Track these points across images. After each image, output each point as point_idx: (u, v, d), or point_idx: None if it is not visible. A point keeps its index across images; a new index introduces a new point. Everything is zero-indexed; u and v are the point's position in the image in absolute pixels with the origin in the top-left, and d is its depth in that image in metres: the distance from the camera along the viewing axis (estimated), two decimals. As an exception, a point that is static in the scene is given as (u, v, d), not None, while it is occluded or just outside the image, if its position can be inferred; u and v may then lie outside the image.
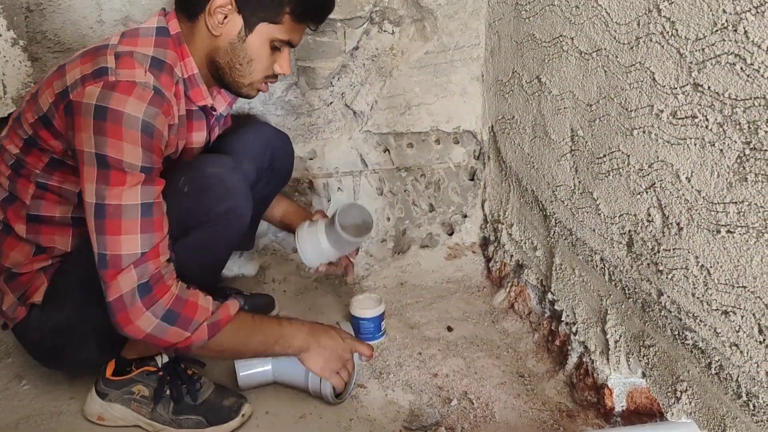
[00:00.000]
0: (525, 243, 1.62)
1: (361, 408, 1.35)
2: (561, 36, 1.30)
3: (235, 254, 1.82)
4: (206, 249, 1.23)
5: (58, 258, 1.23)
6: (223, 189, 1.19)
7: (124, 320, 1.06)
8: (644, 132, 1.04)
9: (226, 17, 1.15)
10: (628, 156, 1.09)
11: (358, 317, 1.57)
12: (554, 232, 1.43)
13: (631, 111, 1.07)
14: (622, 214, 1.13)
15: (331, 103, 1.79)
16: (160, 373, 1.28)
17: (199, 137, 1.31)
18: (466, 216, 1.97)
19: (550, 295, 1.47)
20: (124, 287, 1.05)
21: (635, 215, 1.09)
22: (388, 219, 1.93)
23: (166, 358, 1.29)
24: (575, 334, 1.36)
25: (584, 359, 1.33)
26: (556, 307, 1.45)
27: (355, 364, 1.36)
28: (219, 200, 1.19)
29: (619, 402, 1.25)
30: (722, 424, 0.92)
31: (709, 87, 0.87)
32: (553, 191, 1.40)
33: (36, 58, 1.52)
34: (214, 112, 1.30)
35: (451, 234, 1.98)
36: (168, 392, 1.27)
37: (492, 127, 1.79)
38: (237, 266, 1.85)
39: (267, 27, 1.17)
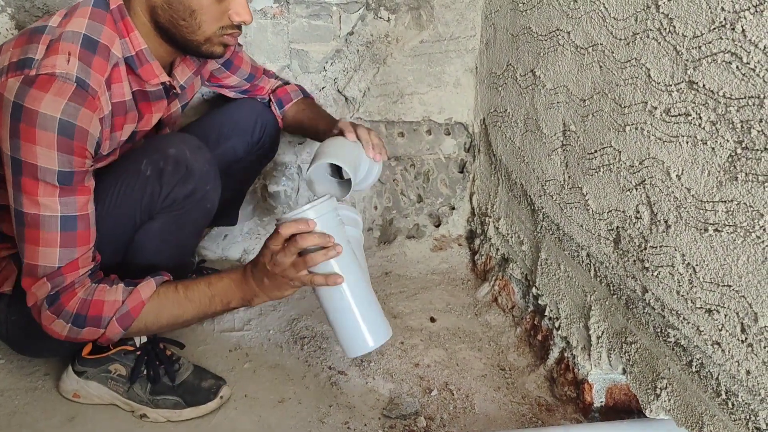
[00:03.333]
0: (511, 237, 1.62)
1: (341, 395, 1.35)
2: (557, 30, 1.29)
3: (218, 236, 1.81)
4: (173, 233, 1.19)
5: None
6: (186, 171, 1.13)
7: (42, 326, 1.08)
8: (637, 128, 1.03)
9: None
10: (620, 152, 1.09)
11: (341, 304, 1.55)
12: (542, 226, 1.43)
13: (624, 107, 1.07)
14: (610, 210, 1.13)
15: (323, 87, 1.77)
16: (138, 353, 1.26)
17: (158, 118, 1.23)
18: (453, 208, 1.96)
19: (534, 290, 1.47)
20: (39, 296, 1.05)
21: (624, 212, 1.09)
22: (376, 208, 1.92)
23: (144, 338, 1.27)
24: (558, 329, 1.36)
25: (566, 354, 1.34)
26: (539, 301, 1.45)
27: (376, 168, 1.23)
28: (181, 183, 1.13)
29: (598, 398, 1.26)
30: (700, 422, 0.92)
31: (704, 85, 0.87)
32: (543, 186, 1.40)
33: (22, 27, 1.48)
34: (173, 90, 1.21)
35: (438, 225, 1.97)
36: (145, 372, 1.25)
37: (484, 119, 1.78)
38: (221, 248, 1.83)
39: None
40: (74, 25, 1.03)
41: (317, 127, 1.43)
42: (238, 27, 1.11)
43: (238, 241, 1.84)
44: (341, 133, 1.28)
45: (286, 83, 1.55)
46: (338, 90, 1.78)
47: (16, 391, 1.29)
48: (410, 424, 1.27)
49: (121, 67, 1.09)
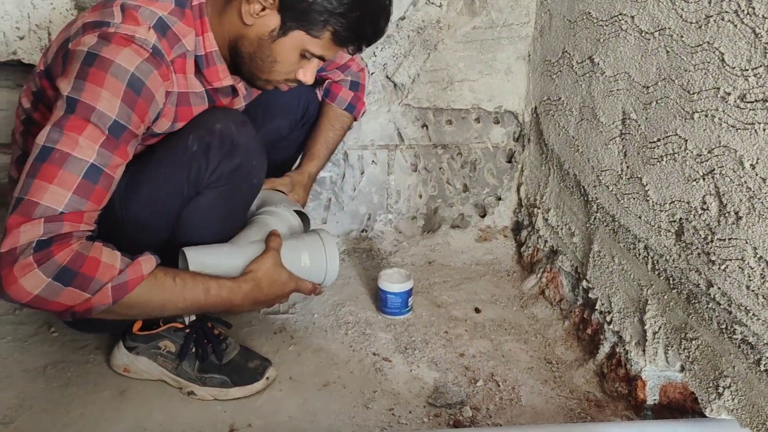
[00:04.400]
0: (561, 229, 1.58)
1: (385, 381, 1.34)
2: (620, 14, 1.25)
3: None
4: (219, 209, 1.18)
5: None
6: (231, 145, 1.13)
7: (8, 278, 0.90)
8: (706, 116, 0.99)
9: (264, 9, 1.04)
10: (686, 141, 1.05)
11: (385, 291, 1.54)
12: (595, 218, 1.39)
13: (693, 93, 1.02)
14: (673, 201, 1.09)
15: (372, 73, 1.75)
16: (187, 330, 1.27)
17: None
18: (500, 199, 1.93)
19: (584, 283, 1.44)
20: (22, 239, 0.91)
21: (688, 203, 1.05)
22: (420, 196, 1.90)
23: (193, 316, 1.28)
24: (609, 324, 1.33)
25: (617, 349, 1.30)
26: (590, 295, 1.42)
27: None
28: (227, 157, 1.13)
29: (651, 395, 1.22)
30: (766, 423, 0.88)
31: (785, 69, 0.83)
32: (598, 176, 1.36)
33: (82, 7, 1.50)
34: (236, 96, 1.23)
35: (483, 216, 1.95)
36: (194, 350, 1.26)
37: (535, 108, 1.74)
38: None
39: (303, 36, 1.07)
40: (154, 8, 1.04)
41: (311, 147, 1.47)
42: (296, 81, 1.16)
43: (283, 226, 1.85)
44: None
45: (354, 85, 1.50)
46: (387, 76, 1.77)
47: (69, 363, 1.32)
48: (456, 414, 1.25)
49: (188, 60, 1.10)
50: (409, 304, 1.57)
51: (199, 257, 1.12)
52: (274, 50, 1.08)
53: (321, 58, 1.12)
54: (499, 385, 1.34)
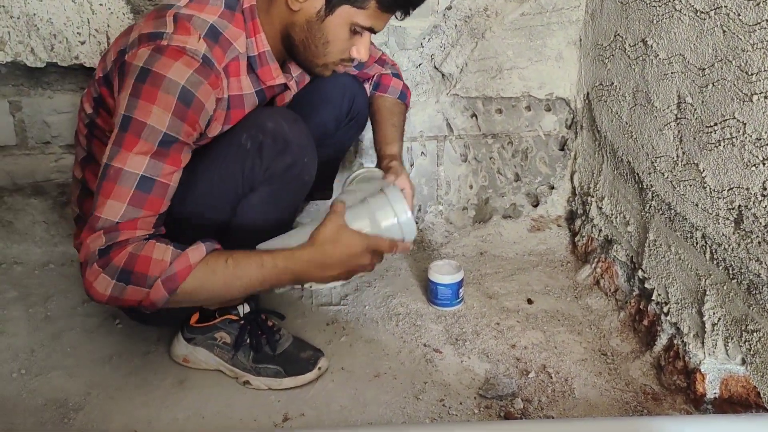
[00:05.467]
0: (616, 217, 1.54)
1: (436, 372, 1.34)
2: (674, -6, 1.20)
3: (311, 205, 1.83)
4: (272, 205, 1.21)
5: None
6: (284, 143, 1.15)
7: (87, 284, 1.01)
8: (766, 97, 0.94)
9: None
10: (744, 124, 1.00)
11: (435, 282, 1.55)
12: (650, 206, 1.35)
13: (752, 75, 0.98)
14: (732, 188, 1.05)
15: (420, 64, 1.75)
16: (242, 322, 1.31)
17: None
18: (553, 187, 1.90)
19: (640, 273, 1.40)
20: (91, 248, 1.00)
21: (748, 189, 1.00)
22: (471, 187, 1.89)
23: (247, 308, 1.32)
24: (666, 315, 1.29)
25: (675, 341, 1.26)
26: (646, 285, 1.38)
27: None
28: (280, 155, 1.15)
29: (711, 389, 1.18)
30: (834, 420, 0.84)
31: None
32: (653, 162, 1.32)
33: (138, 11, 1.56)
34: (287, 90, 1.26)
35: (535, 205, 1.92)
36: (248, 341, 1.30)
37: (587, 94, 1.70)
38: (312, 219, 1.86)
39: (349, 10, 1.09)
40: (205, 16, 1.08)
41: (383, 134, 1.42)
42: (352, 60, 1.18)
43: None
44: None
45: (397, 76, 1.51)
46: (435, 66, 1.76)
47: (133, 354, 1.38)
48: (507, 405, 1.24)
49: (242, 62, 1.13)
50: (460, 296, 1.57)
51: (266, 247, 1.12)
52: (324, 30, 1.11)
53: (371, 30, 1.13)
54: (551, 377, 1.33)
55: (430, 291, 1.57)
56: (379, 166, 1.37)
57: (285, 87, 1.25)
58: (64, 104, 1.66)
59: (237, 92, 1.15)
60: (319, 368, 1.30)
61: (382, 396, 1.27)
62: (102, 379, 1.31)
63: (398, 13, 1.13)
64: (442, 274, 1.55)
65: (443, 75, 1.77)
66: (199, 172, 1.15)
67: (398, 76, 1.50)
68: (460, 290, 1.56)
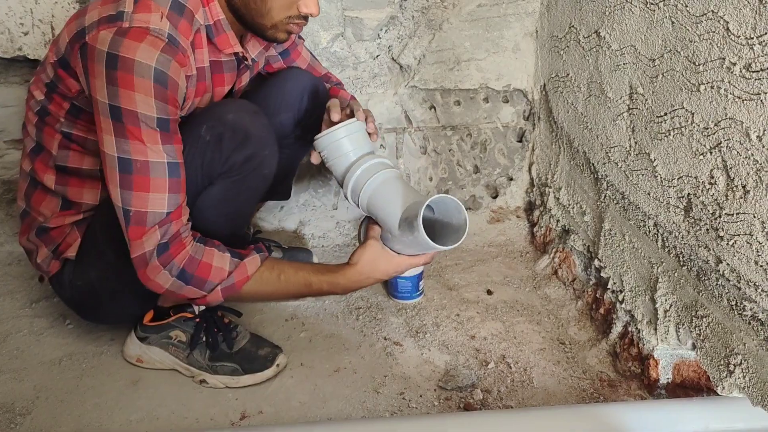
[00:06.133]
0: (573, 207, 1.56)
1: (396, 365, 1.34)
2: (625, -15, 1.21)
3: (275, 208, 1.82)
4: (230, 199, 1.20)
5: (90, 212, 1.21)
6: (244, 135, 1.14)
7: (144, 277, 1.08)
8: (712, 87, 0.96)
9: None
10: (693, 114, 1.02)
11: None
12: (605, 196, 1.36)
13: (699, 65, 0.99)
14: (681, 177, 1.06)
15: (377, 56, 1.74)
16: (197, 320, 1.29)
17: (228, 90, 1.25)
18: (511, 179, 1.91)
19: (596, 262, 1.42)
20: (147, 246, 1.05)
21: (696, 177, 1.02)
22: (431, 179, 1.89)
23: (202, 306, 1.29)
24: (621, 303, 1.31)
25: (630, 329, 1.28)
26: (602, 274, 1.39)
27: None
28: (239, 147, 1.14)
29: (664, 374, 1.20)
30: (779, 401, 0.86)
31: (791, 35, 0.80)
32: (607, 153, 1.33)
33: (84, 0, 1.51)
34: (245, 61, 1.24)
35: (495, 197, 1.93)
36: (204, 338, 1.28)
37: (544, 85, 1.71)
38: (277, 220, 1.85)
39: None
40: None
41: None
42: (305, 18, 1.15)
43: (294, 213, 1.85)
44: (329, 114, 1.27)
45: (343, 88, 1.51)
46: (393, 58, 1.75)
47: (84, 355, 1.34)
48: (466, 396, 1.25)
49: (202, 33, 1.12)
50: (420, 288, 1.57)
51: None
52: None
53: None
54: (510, 367, 1.34)
55: (391, 284, 1.56)
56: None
57: (241, 63, 1.23)
58: (8, 98, 1.60)
59: (201, 65, 1.14)
60: (278, 365, 1.29)
61: (341, 391, 1.26)
62: (51, 382, 1.27)
63: None
64: (402, 266, 1.54)
65: (401, 67, 1.76)
66: None
67: (344, 89, 1.51)
68: (420, 283, 1.56)
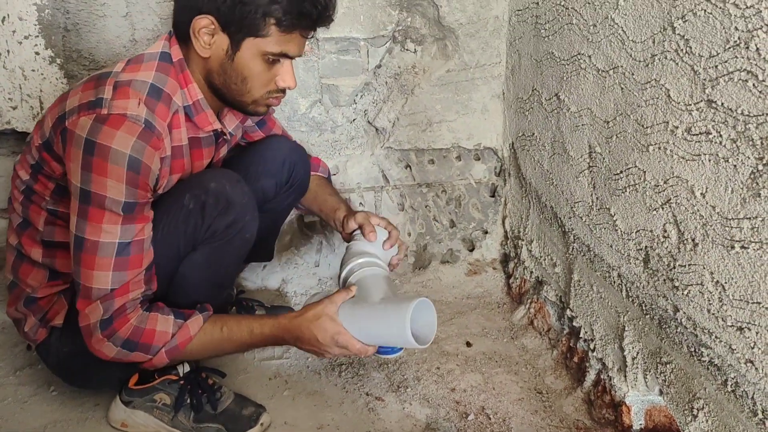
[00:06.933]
0: (544, 259, 1.62)
1: (378, 420, 1.36)
2: (579, 54, 1.31)
3: (257, 267, 1.86)
4: (213, 264, 1.24)
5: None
6: (226, 203, 1.18)
7: (90, 346, 1.14)
8: (660, 148, 1.04)
9: (212, 37, 1.11)
10: (644, 172, 1.10)
11: (377, 331, 1.58)
12: (573, 248, 1.43)
13: (647, 127, 1.08)
14: (638, 230, 1.14)
15: (354, 119, 1.82)
16: (181, 382, 1.31)
17: (207, 164, 1.31)
18: (486, 232, 1.98)
19: (569, 312, 1.47)
20: (92, 318, 1.11)
21: (651, 231, 1.09)
22: (409, 234, 1.95)
23: (187, 367, 1.32)
24: (593, 351, 1.36)
25: (602, 376, 1.33)
26: (574, 323, 1.45)
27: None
28: (222, 215, 1.19)
29: (637, 420, 1.24)
30: (739, 443, 0.91)
31: (722, 103, 0.88)
32: (572, 207, 1.41)
33: (72, 76, 1.58)
34: (224, 136, 1.29)
35: (471, 250, 1.99)
36: (188, 400, 1.29)
37: (512, 143, 1.80)
38: (260, 278, 1.88)
39: (254, 41, 1.11)
40: (143, 76, 1.12)
41: (332, 207, 1.51)
42: (283, 91, 1.21)
43: (276, 271, 1.89)
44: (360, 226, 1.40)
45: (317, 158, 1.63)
46: (368, 121, 1.83)
47: (68, 422, 1.35)
48: (447, 449, 1.27)
49: (180, 114, 1.17)
50: (401, 342, 1.60)
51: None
52: (238, 68, 1.14)
53: (286, 55, 1.15)
54: (489, 418, 1.37)
55: (372, 339, 1.59)
56: (344, 231, 1.46)
57: (219, 137, 1.29)
58: (-4, 169, 1.65)
59: (178, 143, 1.18)
60: (261, 424, 1.30)
61: (325, 448, 1.28)
62: (36, 450, 1.27)
63: (302, 32, 1.13)
64: (383, 322, 1.58)
65: (377, 129, 1.84)
66: None
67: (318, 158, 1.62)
68: (401, 337, 1.59)
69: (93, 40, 1.58)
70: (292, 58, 1.17)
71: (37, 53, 1.54)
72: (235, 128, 1.36)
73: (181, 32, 1.15)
